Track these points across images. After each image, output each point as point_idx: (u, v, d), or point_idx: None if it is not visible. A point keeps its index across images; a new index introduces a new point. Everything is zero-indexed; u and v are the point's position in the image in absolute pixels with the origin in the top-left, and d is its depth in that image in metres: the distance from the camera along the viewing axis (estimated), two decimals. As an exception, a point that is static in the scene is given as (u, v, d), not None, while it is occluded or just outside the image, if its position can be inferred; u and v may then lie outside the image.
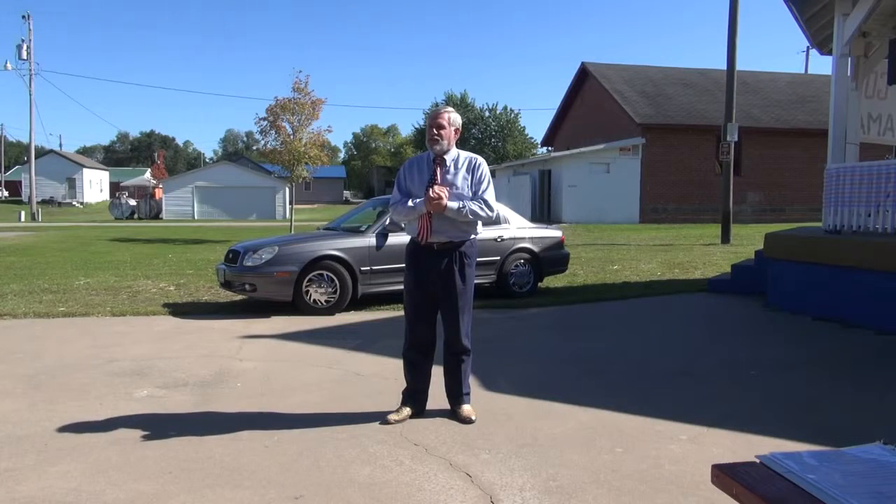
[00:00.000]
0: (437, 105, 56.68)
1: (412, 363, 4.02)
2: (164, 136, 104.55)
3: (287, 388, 4.64)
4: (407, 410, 3.97)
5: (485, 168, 3.99)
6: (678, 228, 22.14)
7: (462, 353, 3.98)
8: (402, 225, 7.52)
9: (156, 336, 6.44)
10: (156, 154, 57.08)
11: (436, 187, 3.79)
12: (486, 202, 3.88)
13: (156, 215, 38.82)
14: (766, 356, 5.53)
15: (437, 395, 4.12)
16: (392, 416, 3.90)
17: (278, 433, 3.72)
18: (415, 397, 4.02)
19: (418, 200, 3.83)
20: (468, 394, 4.03)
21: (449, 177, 3.89)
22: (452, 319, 3.92)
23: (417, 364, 4.01)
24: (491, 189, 3.97)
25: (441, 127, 3.88)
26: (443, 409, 4.05)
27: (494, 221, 8.22)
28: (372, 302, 7.86)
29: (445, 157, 3.93)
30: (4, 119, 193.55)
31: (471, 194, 3.90)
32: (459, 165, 3.94)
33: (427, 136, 3.95)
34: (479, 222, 3.96)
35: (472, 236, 3.97)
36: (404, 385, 4.09)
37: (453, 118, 3.96)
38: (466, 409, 3.95)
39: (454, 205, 3.80)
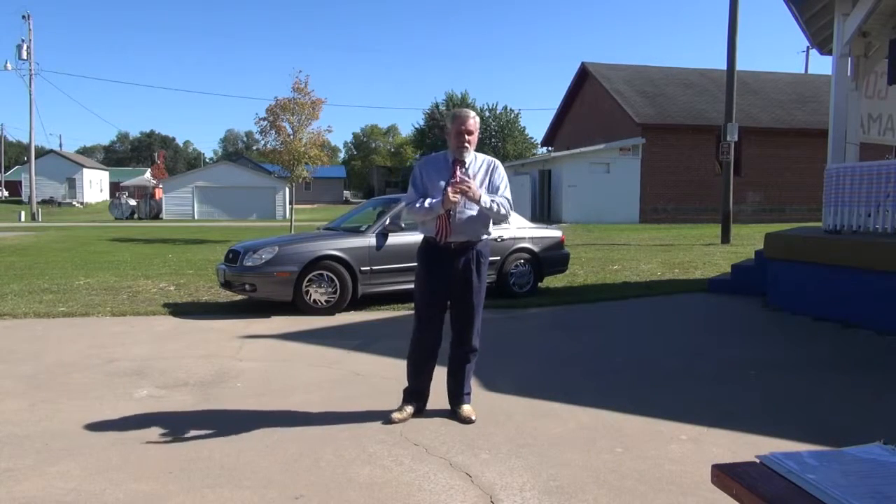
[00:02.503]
0: (437, 107, 56.78)
1: (418, 363, 4.03)
2: (164, 136, 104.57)
3: (287, 387, 4.64)
4: (409, 409, 3.99)
5: (503, 170, 4.07)
6: (678, 228, 22.13)
7: (471, 352, 4.02)
8: (403, 225, 7.55)
9: (156, 336, 6.44)
10: (156, 154, 57.11)
11: (456, 180, 3.77)
12: (507, 200, 3.97)
13: (156, 215, 38.82)
14: (766, 356, 5.53)
15: (437, 395, 4.13)
16: (396, 415, 3.92)
17: (278, 433, 3.72)
18: (417, 396, 4.04)
19: (435, 200, 3.82)
20: (469, 394, 4.05)
21: (469, 178, 3.89)
22: (468, 318, 3.95)
23: (424, 364, 4.02)
24: (508, 189, 4.04)
25: (471, 133, 3.90)
26: (443, 409, 4.05)
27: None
28: (372, 302, 7.86)
29: (465, 158, 3.94)
30: (4, 119, 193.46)
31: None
32: (478, 167, 3.97)
33: (455, 140, 3.91)
34: (490, 223, 4.01)
35: (486, 236, 4.01)
36: (404, 384, 4.10)
37: (478, 122, 4.01)
38: (467, 409, 3.96)
39: (486, 197, 3.84)
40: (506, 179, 4.04)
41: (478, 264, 3.92)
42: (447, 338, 4.07)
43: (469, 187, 3.76)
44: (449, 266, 3.88)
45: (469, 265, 3.89)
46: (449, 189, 3.76)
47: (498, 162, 4.08)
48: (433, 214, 3.84)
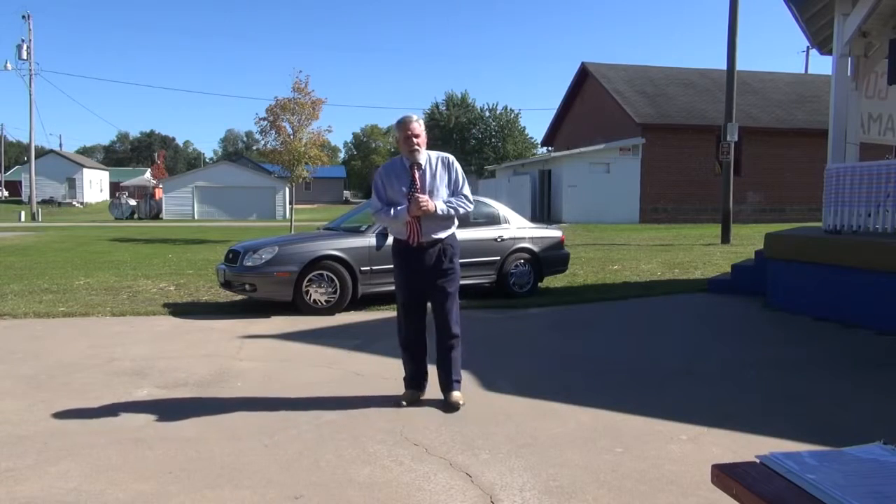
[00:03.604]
0: (437, 107, 56.80)
1: (412, 351, 4.27)
2: (164, 136, 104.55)
3: (287, 387, 4.65)
4: (415, 394, 4.24)
5: (458, 165, 4.30)
6: (678, 228, 22.13)
7: (453, 339, 4.21)
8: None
9: (156, 336, 6.44)
10: (156, 154, 57.14)
11: (420, 196, 4.03)
12: (466, 197, 4.21)
13: (156, 215, 38.81)
14: (766, 356, 5.53)
15: (435, 394, 4.13)
16: (404, 400, 4.19)
17: (278, 433, 3.72)
18: (416, 382, 4.28)
19: (400, 209, 4.08)
20: (458, 381, 4.22)
21: (429, 179, 4.13)
22: (444, 307, 4.18)
23: (417, 350, 4.28)
24: (467, 184, 4.29)
25: (417, 136, 4.11)
26: (437, 398, 4.12)
27: (493, 222, 8.52)
28: (372, 302, 7.86)
29: (420, 161, 4.14)
30: (4, 119, 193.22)
31: (449, 192, 4.18)
32: (435, 167, 4.19)
33: (404, 146, 4.14)
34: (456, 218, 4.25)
35: (453, 230, 4.25)
36: (404, 380, 4.32)
37: (422, 125, 4.22)
38: (456, 395, 4.15)
39: (442, 206, 4.08)
40: (462, 175, 4.27)
41: (449, 257, 4.17)
42: (434, 331, 4.25)
43: (426, 204, 4.00)
44: (421, 261, 4.13)
45: (440, 258, 4.15)
46: (410, 212, 4.01)
47: (452, 157, 4.30)
48: (399, 221, 4.10)
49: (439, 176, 4.15)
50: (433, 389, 4.29)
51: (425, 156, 4.16)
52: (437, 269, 4.13)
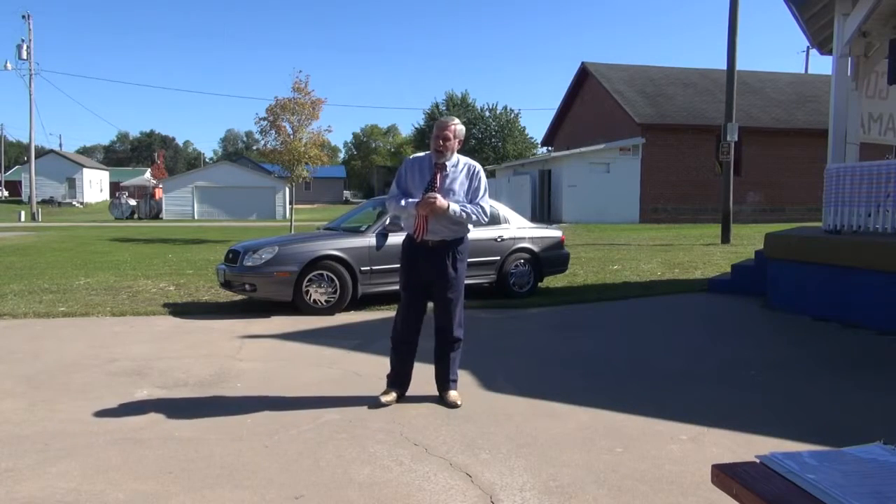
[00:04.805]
0: (437, 107, 56.75)
1: (401, 351, 4.28)
2: (164, 136, 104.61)
3: (287, 388, 4.65)
4: (394, 393, 4.25)
5: (483, 175, 4.27)
6: (678, 228, 22.13)
7: (455, 343, 4.24)
8: (403, 224, 7.71)
9: (156, 336, 6.44)
10: (156, 154, 57.18)
11: (430, 196, 4.01)
12: (482, 208, 4.19)
13: (156, 215, 38.81)
14: (766, 356, 5.53)
15: (434, 395, 4.13)
16: (383, 398, 4.19)
17: (278, 433, 3.72)
18: (399, 381, 4.29)
19: (410, 201, 4.10)
20: (455, 381, 4.28)
21: (448, 182, 4.14)
22: (446, 310, 4.19)
23: (406, 352, 4.28)
24: (487, 196, 4.28)
25: (447, 139, 4.12)
26: (440, 407, 4.09)
27: (493, 222, 8.42)
28: (372, 302, 7.86)
29: (447, 162, 4.16)
30: (4, 119, 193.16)
31: (468, 199, 4.15)
32: (459, 171, 4.19)
33: (432, 143, 4.18)
34: (471, 223, 4.23)
35: (464, 235, 4.24)
36: (387, 377, 4.35)
37: (459, 130, 4.19)
38: (453, 394, 4.20)
39: (455, 207, 4.06)
40: (484, 185, 4.25)
41: (453, 260, 4.16)
42: (433, 328, 4.28)
43: (434, 203, 3.98)
44: (426, 261, 4.14)
45: (444, 261, 4.14)
46: (419, 209, 4.02)
47: (479, 167, 4.29)
48: (407, 212, 4.13)
49: (460, 182, 4.16)
50: (432, 389, 4.30)
51: (454, 159, 4.18)
52: (440, 272, 4.12)
